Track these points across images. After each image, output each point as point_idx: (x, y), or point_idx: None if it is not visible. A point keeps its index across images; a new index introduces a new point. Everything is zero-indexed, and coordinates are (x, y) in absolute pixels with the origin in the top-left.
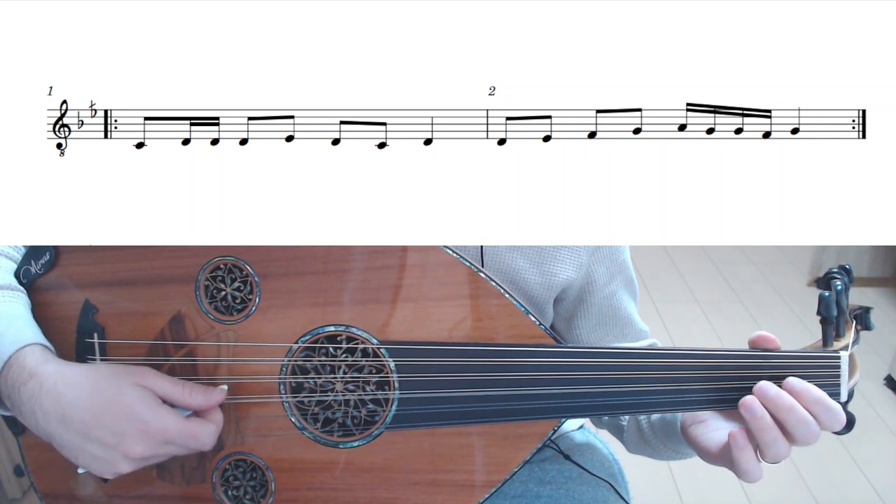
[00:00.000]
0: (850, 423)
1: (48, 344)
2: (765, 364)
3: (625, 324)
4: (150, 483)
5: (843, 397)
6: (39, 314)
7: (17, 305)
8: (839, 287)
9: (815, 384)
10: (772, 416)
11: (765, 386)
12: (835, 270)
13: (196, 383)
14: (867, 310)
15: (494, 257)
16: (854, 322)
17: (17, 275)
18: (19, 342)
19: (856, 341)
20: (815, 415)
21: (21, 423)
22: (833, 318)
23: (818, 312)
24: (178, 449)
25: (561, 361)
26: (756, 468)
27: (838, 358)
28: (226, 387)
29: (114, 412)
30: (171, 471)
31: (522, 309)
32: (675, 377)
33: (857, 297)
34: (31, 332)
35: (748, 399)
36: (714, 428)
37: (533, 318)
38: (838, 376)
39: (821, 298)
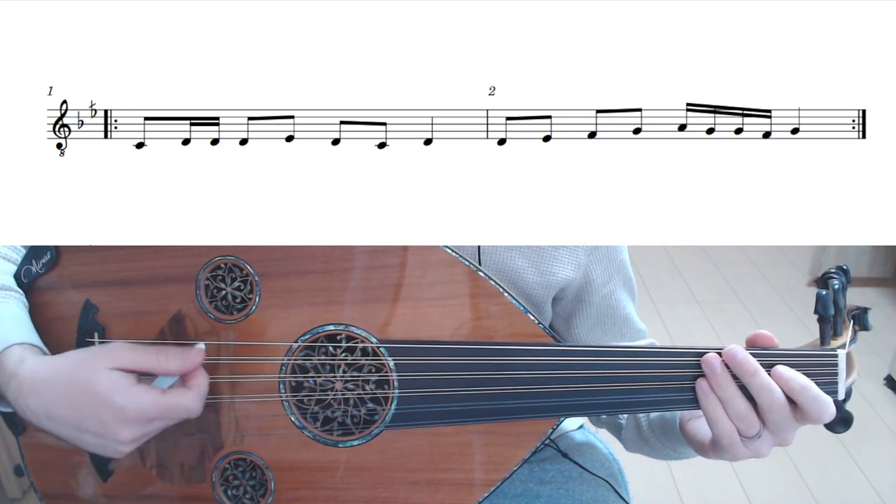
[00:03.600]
0: (848, 421)
1: (36, 341)
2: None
3: (623, 323)
4: (150, 483)
5: (841, 395)
6: (40, 314)
7: (7, 305)
8: (836, 286)
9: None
10: (738, 379)
11: (733, 349)
12: (832, 270)
13: (171, 346)
14: (865, 310)
15: (493, 257)
16: (852, 322)
17: (17, 275)
18: (4, 342)
19: (853, 340)
20: (802, 403)
21: (20, 423)
22: (830, 317)
23: (815, 311)
24: (166, 423)
25: (560, 360)
26: (725, 421)
27: (835, 356)
28: (202, 345)
29: (90, 403)
30: (171, 470)
31: (521, 308)
32: (672, 375)
33: (857, 297)
34: (18, 331)
35: (709, 355)
36: None
37: (532, 317)
38: (835, 374)
39: (818, 297)
